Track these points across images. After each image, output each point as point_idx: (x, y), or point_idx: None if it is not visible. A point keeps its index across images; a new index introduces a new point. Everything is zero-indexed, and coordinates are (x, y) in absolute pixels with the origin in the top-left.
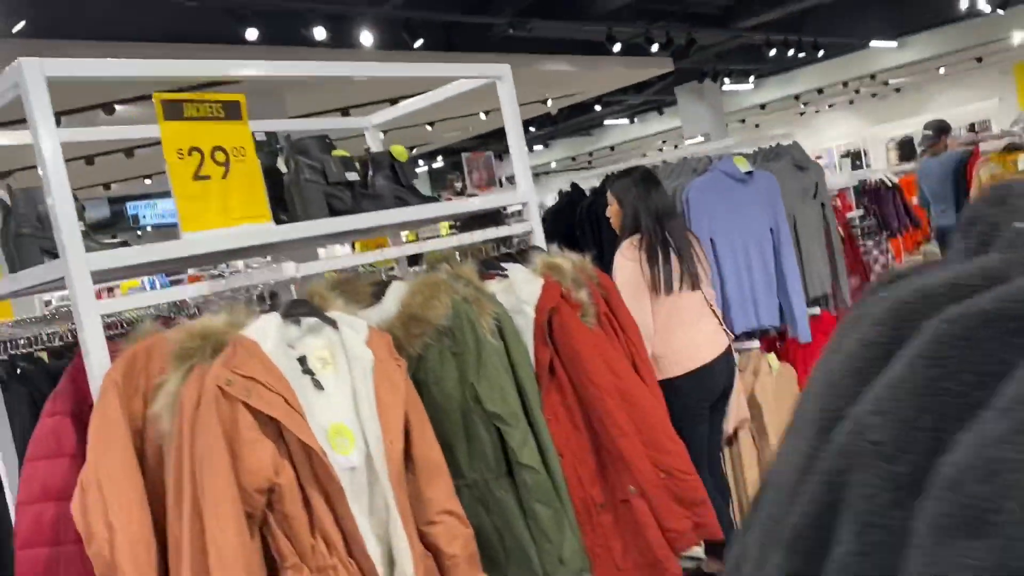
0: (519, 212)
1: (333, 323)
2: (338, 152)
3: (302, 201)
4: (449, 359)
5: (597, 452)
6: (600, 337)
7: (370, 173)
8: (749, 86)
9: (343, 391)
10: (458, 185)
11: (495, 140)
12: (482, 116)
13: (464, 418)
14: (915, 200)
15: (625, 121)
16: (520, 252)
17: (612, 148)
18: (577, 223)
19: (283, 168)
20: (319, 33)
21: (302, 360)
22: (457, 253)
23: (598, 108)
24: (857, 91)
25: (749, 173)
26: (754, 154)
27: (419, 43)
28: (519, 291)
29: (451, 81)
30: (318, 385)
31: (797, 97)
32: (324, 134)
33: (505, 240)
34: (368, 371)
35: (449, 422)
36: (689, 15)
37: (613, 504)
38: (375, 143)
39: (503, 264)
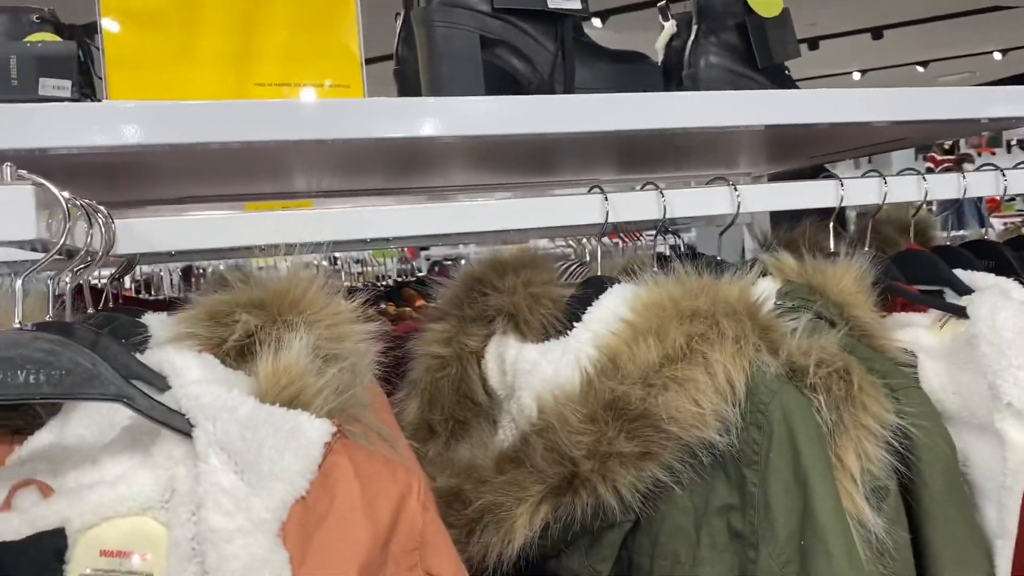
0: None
1: (183, 425)
2: None
3: (430, 54)
4: (724, 543)
5: None
6: None
7: (692, 34)
8: None
9: None
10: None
11: None
12: (996, 56)
13: None
14: None
15: None
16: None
17: None
18: None
19: None
20: None
21: None
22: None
23: None
24: None
25: None
26: None
27: None
28: (994, 362)
29: None
30: None
31: None
32: None
33: None
34: None
35: None
36: None
37: None
38: None
39: (955, 269)
